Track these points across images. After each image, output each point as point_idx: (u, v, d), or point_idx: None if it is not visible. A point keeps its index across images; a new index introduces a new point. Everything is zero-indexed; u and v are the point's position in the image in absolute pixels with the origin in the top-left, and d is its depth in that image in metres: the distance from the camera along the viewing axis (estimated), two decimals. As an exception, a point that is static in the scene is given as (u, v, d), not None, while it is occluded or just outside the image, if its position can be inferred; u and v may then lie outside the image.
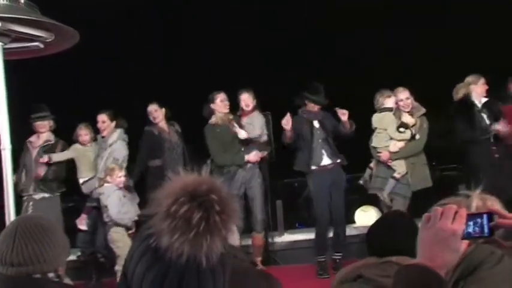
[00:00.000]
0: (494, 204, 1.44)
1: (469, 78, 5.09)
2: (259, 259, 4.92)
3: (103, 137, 5.34)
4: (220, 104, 5.01)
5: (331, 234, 5.07)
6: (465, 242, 1.02)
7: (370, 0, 8.50)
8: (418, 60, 8.19)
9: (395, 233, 1.83)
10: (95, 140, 5.47)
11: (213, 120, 5.03)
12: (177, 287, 0.97)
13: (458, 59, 7.46)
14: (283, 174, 5.48)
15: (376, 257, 1.78)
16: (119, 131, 5.29)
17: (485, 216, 1.04)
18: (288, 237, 5.66)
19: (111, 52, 8.07)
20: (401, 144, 4.72)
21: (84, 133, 5.40)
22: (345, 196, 5.17)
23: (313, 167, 4.97)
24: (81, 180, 5.40)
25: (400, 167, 4.70)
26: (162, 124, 5.25)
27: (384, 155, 4.74)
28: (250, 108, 5.16)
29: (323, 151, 4.97)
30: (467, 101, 4.97)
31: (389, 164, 4.75)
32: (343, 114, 4.89)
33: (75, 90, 8.38)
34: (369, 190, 5.00)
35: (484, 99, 5.02)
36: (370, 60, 8.83)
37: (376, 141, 4.86)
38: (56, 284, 1.94)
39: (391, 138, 4.75)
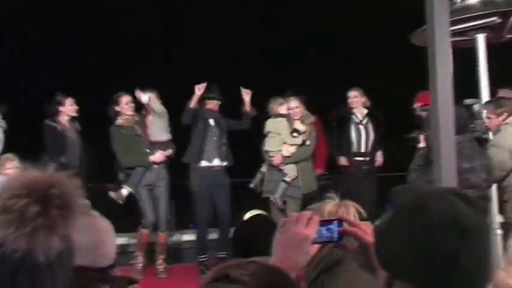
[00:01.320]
0: (349, 211, 1.55)
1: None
2: (162, 257, 4.93)
3: None
4: (125, 106, 4.95)
5: (214, 235, 5.14)
6: (316, 246, 1.08)
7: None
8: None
9: (259, 235, 1.90)
10: None
11: (118, 121, 4.97)
12: (10, 282, 0.96)
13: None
14: (178, 174, 5.54)
15: (242, 257, 1.83)
16: None
17: (335, 222, 1.12)
18: (181, 237, 5.66)
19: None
20: (293, 149, 4.88)
21: None
22: (236, 200, 5.29)
23: (202, 164, 5.02)
24: None
25: (291, 171, 4.83)
26: (64, 120, 4.97)
27: (277, 159, 4.85)
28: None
29: (215, 151, 5.07)
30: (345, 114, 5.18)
31: (281, 167, 4.85)
32: (247, 94, 5.07)
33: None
34: (262, 194, 5.05)
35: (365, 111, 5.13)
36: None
37: (269, 145, 4.95)
38: None
39: (284, 143, 4.89)
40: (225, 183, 5.15)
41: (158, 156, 4.97)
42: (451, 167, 1.86)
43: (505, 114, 3.63)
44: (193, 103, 4.95)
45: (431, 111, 1.89)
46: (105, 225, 1.56)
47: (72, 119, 4.99)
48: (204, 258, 4.93)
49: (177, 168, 5.43)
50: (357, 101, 5.07)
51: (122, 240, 5.04)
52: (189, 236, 5.61)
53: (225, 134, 5.15)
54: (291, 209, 4.66)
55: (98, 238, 1.42)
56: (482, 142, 3.51)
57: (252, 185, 5.17)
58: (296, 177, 4.86)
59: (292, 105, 4.93)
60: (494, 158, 3.33)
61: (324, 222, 1.12)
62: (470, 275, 0.86)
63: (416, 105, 4.30)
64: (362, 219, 1.50)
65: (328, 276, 1.52)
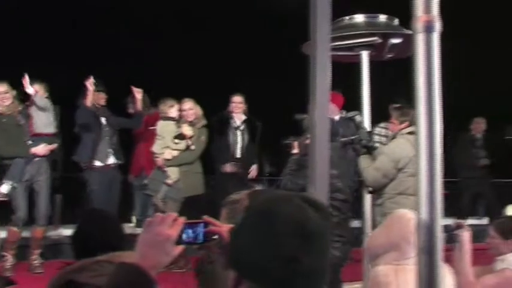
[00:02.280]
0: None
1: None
2: (37, 252, 4.81)
3: None
4: (2, 96, 4.72)
5: None
6: (180, 247, 1.11)
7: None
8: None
9: (102, 233, 1.90)
10: None
11: None
12: None
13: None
14: (65, 168, 5.54)
15: (85, 258, 1.82)
16: None
17: (201, 224, 1.15)
18: (64, 232, 5.55)
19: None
20: (175, 153, 4.98)
21: None
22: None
23: (97, 163, 5.02)
24: None
25: (172, 174, 4.94)
26: None
27: (159, 161, 4.98)
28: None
29: (109, 149, 5.11)
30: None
31: (163, 169, 4.99)
32: (138, 93, 5.14)
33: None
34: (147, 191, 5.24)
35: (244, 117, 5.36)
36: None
37: (155, 147, 5.09)
38: None
39: (167, 147, 5.01)
40: (118, 180, 5.22)
41: (41, 149, 4.75)
42: (325, 173, 1.98)
43: (407, 123, 3.85)
44: (88, 101, 4.83)
45: (309, 119, 2.00)
46: None
47: None
48: None
49: (67, 163, 5.34)
50: (240, 107, 5.21)
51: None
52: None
53: (117, 132, 5.14)
54: (170, 210, 4.64)
55: None
56: (370, 149, 3.76)
57: (146, 181, 5.28)
58: (178, 180, 4.90)
59: (185, 107, 4.97)
60: (380, 165, 3.59)
61: (190, 224, 1.13)
62: (311, 276, 0.91)
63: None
64: None
65: None
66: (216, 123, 5.28)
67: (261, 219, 0.92)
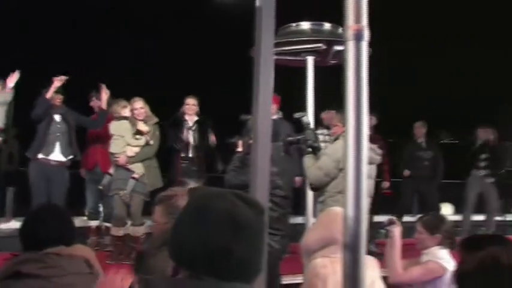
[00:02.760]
0: None
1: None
2: None
3: None
4: None
5: None
6: None
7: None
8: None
9: (49, 225, 1.94)
10: None
11: None
12: None
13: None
14: (21, 161, 5.60)
15: (31, 251, 1.85)
16: None
17: None
18: (16, 225, 5.49)
19: None
20: (137, 149, 5.14)
21: None
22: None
23: (40, 156, 5.11)
24: None
25: (138, 169, 5.11)
26: None
27: (121, 159, 5.07)
28: None
29: (57, 145, 5.16)
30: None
31: (127, 167, 5.09)
32: (106, 93, 5.30)
33: None
34: (109, 193, 5.25)
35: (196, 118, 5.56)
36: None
37: (113, 147, 5.15)
38: None
39: (128, 144, 5.12)
40: (62, 179, 5.16)
41: None
42: (266, 171, 2.07)
43: None
44: (49, 94, 4.92)
45: (252, 119, 2.08)
46: None
47: None
48: None
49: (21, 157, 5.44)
50: (193, 109, 5.41)
51: None
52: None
53: (73, 129, 5.17)
54: (135, 203, 5.02)
55: None
56: (315, 149, 3.90)
57: (100, 187, 5.26)
58: (143, 174, 5.09)
59: (137, 106, 5.09)
60: (322, 165, 3.73)
61: None
62: (243, 264, 0.99)
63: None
64: None
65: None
66: (170, 124, 5.43)
67: (197, 213, 0.99)
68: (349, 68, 1.48)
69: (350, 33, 1.49)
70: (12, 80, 4.84)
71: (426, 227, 2.93)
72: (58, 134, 5.08)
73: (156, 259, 1.68)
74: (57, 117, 5.10)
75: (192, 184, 1.89)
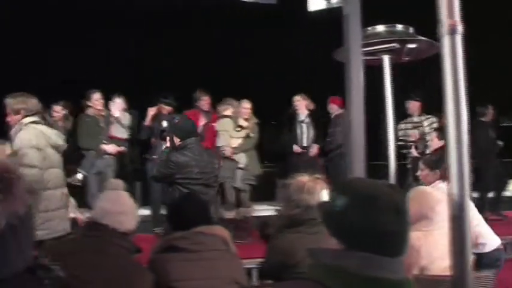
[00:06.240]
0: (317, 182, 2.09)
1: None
2: None
3: None
4: (95, 102, 5.44)
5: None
6: None
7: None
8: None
9: (194, 209, 2.21)
10: None
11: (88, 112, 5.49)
12: None
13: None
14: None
15: (181, 230, 2.07)
16: None
17: None
18: (143, 212, 5.82)
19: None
20: (239, 140, 5.60)
21: None
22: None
23: (154, 157, 5.53)
24: None
25: (242, 159, 5.54)
26: None
27: (228, 151, 5.51)
28: None
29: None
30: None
31: (232, 157, 5.51)
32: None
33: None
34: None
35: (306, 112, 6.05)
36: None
37: (220, 141, 5.62)
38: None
39: (232, 138, 5.58)
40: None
41: (110, 147, 5.40)
42: (361, 160, 2.18)
43: None
44: (148, 121, 5.63)
45: (346, 114, 2.18)
46: (128, 201, 1.86)
47: None
48: None
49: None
50: (300, 104, 5.96)
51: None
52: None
53: None
54: (243, 189, 5.55)
55: (121, 209, 1.80)
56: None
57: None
58: (247, 164, 5.56)
59: (246, 106, 5.67)
60: None
61: None
62: (403, 242, 1.17)
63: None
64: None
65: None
66: (285, 119, 6.04)
67: (368, 202, 1.15)
68: (446, 61, 1.53)
69: (445, 28, 1.54)
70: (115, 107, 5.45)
71: (427, 164, 3.19)
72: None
73: (278, 241, 1.88)
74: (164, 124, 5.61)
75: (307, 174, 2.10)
